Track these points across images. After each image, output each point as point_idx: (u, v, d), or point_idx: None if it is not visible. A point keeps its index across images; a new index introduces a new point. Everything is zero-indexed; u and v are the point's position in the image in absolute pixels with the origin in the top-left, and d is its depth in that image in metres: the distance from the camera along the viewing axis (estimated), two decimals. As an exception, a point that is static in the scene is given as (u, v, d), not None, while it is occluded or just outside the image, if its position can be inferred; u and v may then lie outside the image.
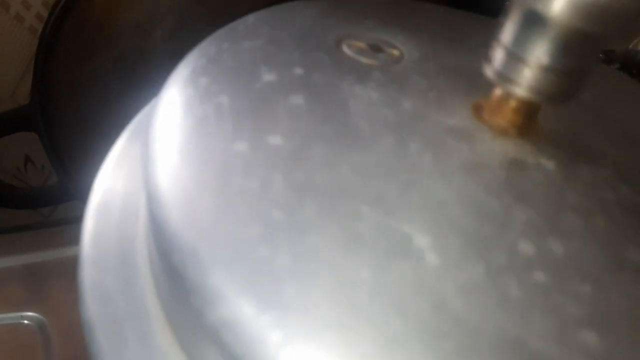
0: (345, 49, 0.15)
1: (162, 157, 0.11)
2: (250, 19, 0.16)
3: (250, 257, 0.09)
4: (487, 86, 0.13)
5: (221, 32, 0.15)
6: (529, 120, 0.13)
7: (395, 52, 0.15)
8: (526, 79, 0.11)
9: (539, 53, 0.11)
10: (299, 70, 0.13)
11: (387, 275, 0.10)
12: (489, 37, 0.12)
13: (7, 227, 0.35)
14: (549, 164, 0.12)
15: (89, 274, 0.12)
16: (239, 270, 0.09)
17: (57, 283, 0.29)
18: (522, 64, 0.11)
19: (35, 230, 0.34)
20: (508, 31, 0.11)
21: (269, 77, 0.13)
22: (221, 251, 0.09)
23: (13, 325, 0.26)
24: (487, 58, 0.12)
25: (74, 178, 0.34)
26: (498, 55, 0.12)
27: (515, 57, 0.11)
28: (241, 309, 0.09)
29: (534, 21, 0.11)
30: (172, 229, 0.10)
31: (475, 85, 0.14)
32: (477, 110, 0.13)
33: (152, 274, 0.11)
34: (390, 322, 0.09)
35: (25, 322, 0.26)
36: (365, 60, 0.14)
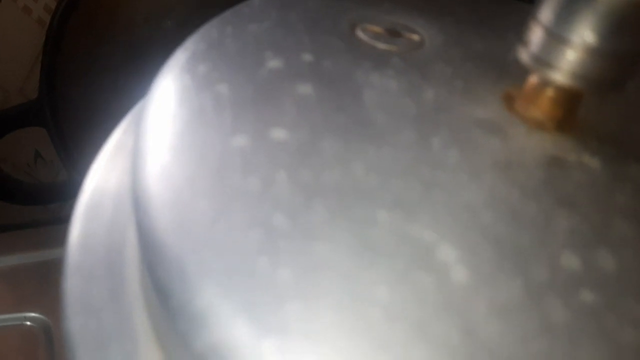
0: (360, 33, 0.13)
1: (152, 153, 0.10)
2: (257, 0, 0.14)
3: (246, 270, 0.08)
4: (519, 73, 0.11)
5: (225, 15, 0.14)
6: (568, 112, 0.11)
7: (415, 37, 0.13)
8: (569, 63, 0.10)
9: (586, 32, 0.09)
10: (308, 56, 0.12)
11: (407, 294, 0.08)
12: (519, 20, 0.11)
13: (15, 223, 0.34)
14: (593, 162, 0.11)
15: (73, 283, 0.11)
16: (233, 286, 0.08)
17: (63, 282, 0.28)
18: (565, 46, 0.10)
19: (43, 227, 0.33)
20: (548, 7, 0.10)
21: (275, 63, 0.12)
22: (213, 263, 0.08)
23: (15, 327, 0.25)
24: (523, 40, 0.10)
25: (84, 174, 0.33)
26: (536, 36, 0.10)
27: (556, 37, 0.10)
28: (234, 333, 0.07)
29: (580, -5, 0.09)
30: (158, 238, 0.09)
31: (505, 72, 0.12)
32: (509, 101, 0.12)
33: (141, 286, 0.10)
34: (410, 350, 0.08)
35: (28, 323, 0.25)
36: (382, 45, 0.13)
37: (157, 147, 0.10)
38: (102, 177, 0.13)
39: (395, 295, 0.08)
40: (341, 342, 0.08)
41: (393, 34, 0.13)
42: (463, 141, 0.11)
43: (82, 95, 0.34)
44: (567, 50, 0.10)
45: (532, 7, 0.10)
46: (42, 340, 0.25)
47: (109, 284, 0.11)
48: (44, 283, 0.28)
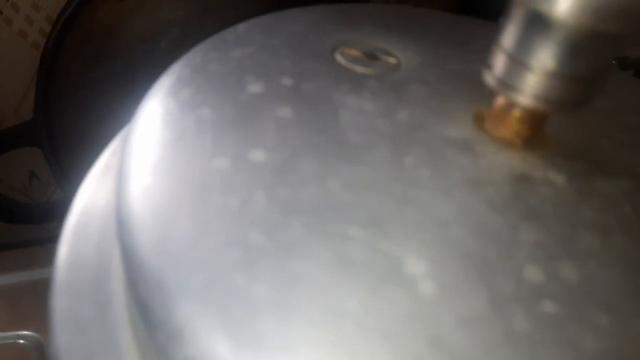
0: (339, 57, 0.14)
1: (135, 174, 0.10)
2: (242, 26, 0.15)
3: (223, 286, 0.08)
4: (490, 94, 0.12)
5: (210, 41, 0.14)
6: (535, 131, 0.12)
7: (392, 60, 0.14)
8: (530, 87, 0.10)
9: (544, 58, 0.10)
10: (288, 80, 0.13)
11: (378, 307, 0.09)
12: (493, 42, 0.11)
13: (10, 243, 0.34)
14: (559, 178, 0.11)
15: (61, 300, 0.11)
16: (210, 302, 0.08)
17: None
18: (526, 70, 0.10)
19: (37, 246, 0.34)
20: (509, 34, 0.10)
21: (256, 87, 0.12)
22: (191, 280, 0.08)
23: (9, 345, 0.25)
24: (487, 64, 0.11)
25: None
26: (499, 61, 0.11)
27: (517, 62, 0.10)
28: (212, 347, 0.08)
29: (537, 23, 0.10)
30: (139, 255, 0.09)
31: (477, 94, 0.13)
32: (479, 121, 0.12)
33: (125, 303, 0.11)
34: (379, 360, 0.08)
35: (22, 342, 0.26)
36: (359, 69, 0.13)
37: (140, 169, 0.10)
38: (90, 197, 0.13)
39: (367, 308, 0.09)
40: (315, 355, 0.08)
41: (371, 57, 0.14)
42: (435, 159, 0.11)
43: (77, 115, 0.34)
44: (528, 74, 0.10)
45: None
46: (35, 359, 0.25)
47: (95, 300, 0.11)
48: (37, 302, 0.28)
